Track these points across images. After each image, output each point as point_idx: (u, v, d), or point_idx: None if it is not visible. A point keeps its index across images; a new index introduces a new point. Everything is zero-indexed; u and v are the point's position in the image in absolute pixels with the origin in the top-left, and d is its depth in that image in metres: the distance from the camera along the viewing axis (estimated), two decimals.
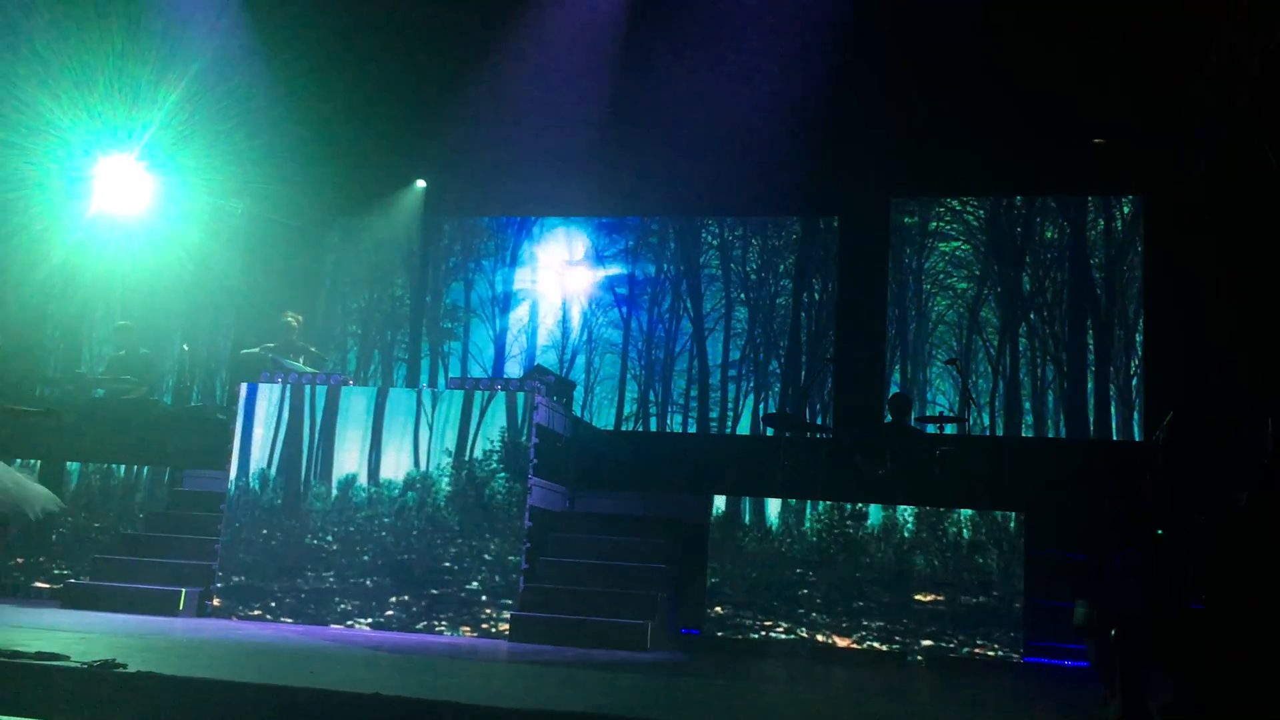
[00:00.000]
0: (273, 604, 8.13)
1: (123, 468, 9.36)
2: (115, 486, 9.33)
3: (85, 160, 11.79)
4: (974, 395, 10.66)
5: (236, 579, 8.21)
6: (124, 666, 4.86)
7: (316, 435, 8.41)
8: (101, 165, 11.91)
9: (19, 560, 9.17)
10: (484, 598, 7.91)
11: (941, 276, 11.40)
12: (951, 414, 10.51)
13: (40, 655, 5.07)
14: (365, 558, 8.13)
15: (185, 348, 11.86)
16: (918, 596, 7.68)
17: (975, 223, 11.49)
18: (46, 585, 8.99)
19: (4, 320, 11.10)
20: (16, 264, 11.32)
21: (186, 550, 8.58)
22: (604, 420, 11.83)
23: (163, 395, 11.49)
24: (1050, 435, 10.81)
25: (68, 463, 9.36)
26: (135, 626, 7.05)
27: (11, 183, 11.08)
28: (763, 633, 7.80)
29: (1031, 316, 11.10)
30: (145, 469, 9.37)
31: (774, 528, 7.98)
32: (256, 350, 9.81)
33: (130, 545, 8.78)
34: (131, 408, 9.99)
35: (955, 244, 11.46)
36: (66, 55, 10.92)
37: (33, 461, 9.37)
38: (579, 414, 11.19)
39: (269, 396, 8.51)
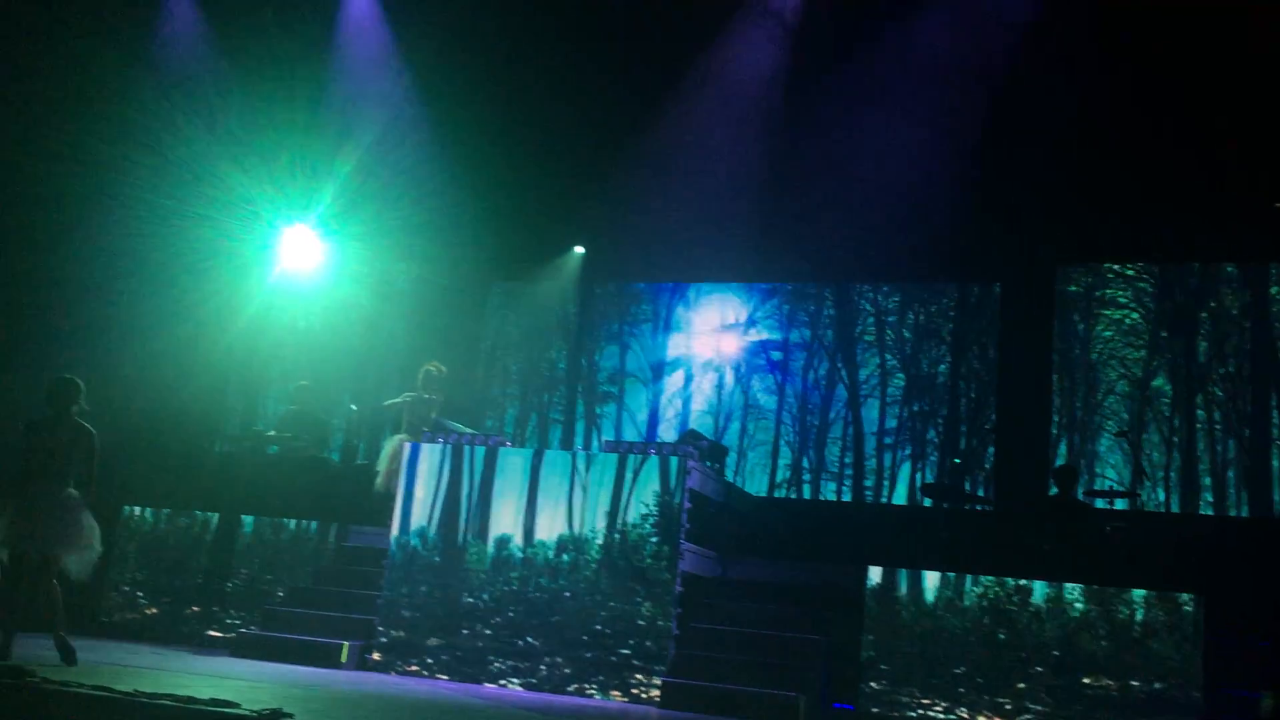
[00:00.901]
0: (429, 660, 8.29)
1: (293, 522, 9.74)
2: (286, 540, 9.71)
3: (269, 230, 12.51)
4: (1147, 469, 10.17)
5: (396, 634, 8.41)
6: (290, 716, 5.03)
7: (474, 495, 8.60)
8: (283, 234, 12.61)
9: (195, 609, 9.61)
10: (635, 662, 7.89)
11: (1111, 345, 10.97)
12: (1123, 488, 10.04)
13: (213, 702, 5.29)
14: (519, 618, 8.22)
15: (353, 407, 12.34)
16: (1086, 680, 7.32)
17: (1148, 289, 11.04)
18: (219, 634, 9.39)
19: (193, 383, 11.79)
20: (207, 330, 12.02)
21: (350, 604, 8.85)
22: (757, 486, 11.73)
23: (331, 453, 11.95)
24: (1232, 514, 10.20)
25: (243, 516, 9.80)
26: (300, 677, 7.29)
27: (205, 253, 11.83)
28: (920, 711, 7.54)
29: (1210, 387, 10.56)
30: (313, 524, 9.73)
31: (931, 601, 7.75)
32: (398, 400, 10.17)
33: (298, 598, 9.11)
34: (302, 465, 10.41)
35: (1125, 311, 11.03)
36: (255, 132, 11.68)
37: (211, 514, 9.87)
38: (732, 479, 11.13)
39: (430, 456, 8.76)
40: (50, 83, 10.95)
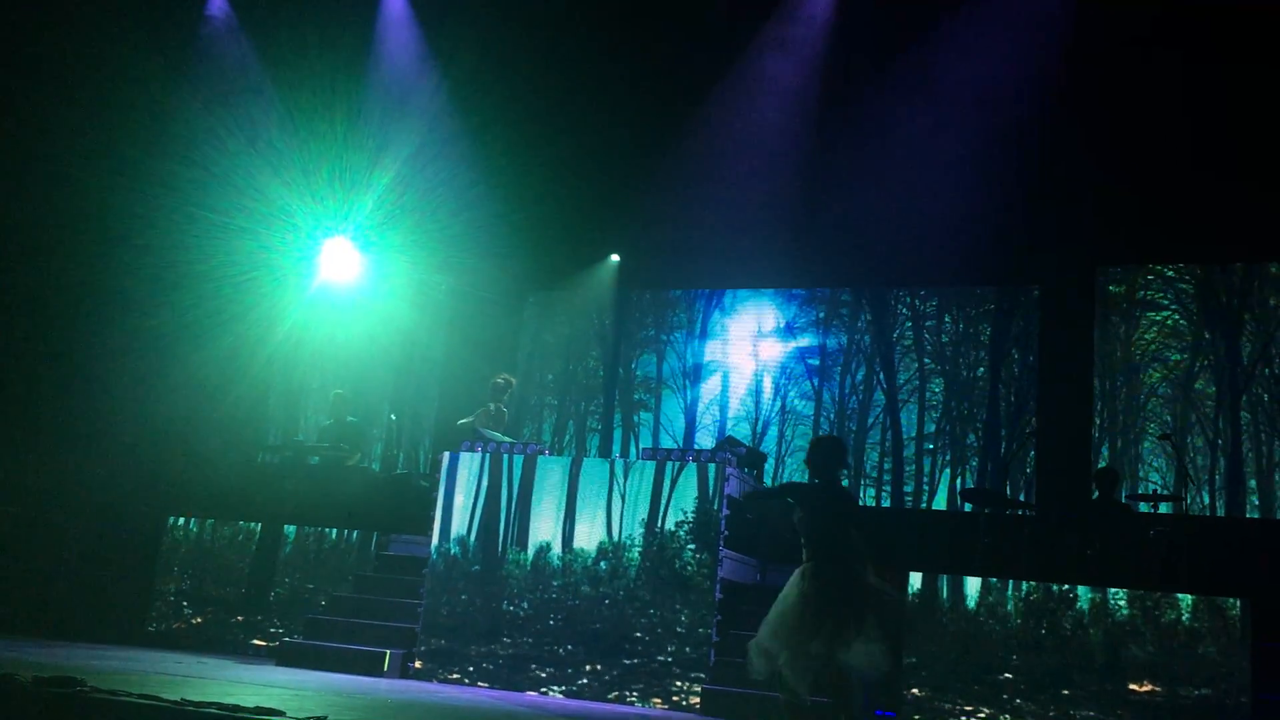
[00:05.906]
0: (470, 668, 8.34)
1: (334, 531, 9.83)
2: (327, 550, 9.80)
3: (309, 242, 12.67)
4: (1191, 473, 10.04)
5: (437, 642, 8.46)
6: None
7: (513, 503, 8.64)
8: (323, 246, 12.77)
9: (239, 618, 9.72)
10: (675, 669, 7.89)
11: (1152, 347, 10.85)
12: (1166, 492, 9.92)
13: (259, 710, 5.35)
14: (559, 626, 8.25)
15: (393, 417, 12.44)
16: (1132, 686, 7.24)
17: (1189, 290, 10.91)
18: (263, 643, 9.49)
19: (235, 394, 11.95)
20: (248, 340, 12.17)
21: (391, 613, 8.91)
22: None
23: (371, 462, 12.03)
24: (1278, 516, 10.05)
25: (285, 526, 9.89)
26: (343, 685, 7.35)
27: (246, 265, 12.00)
28: (963, 717, 7.48)
29: (1254, 389, 10.42)
30: (355, 533, 9.81)
31: (973, 607, 7.69)
32: (470, 420, 10.01)
33: (340, 606, 9.17)
34: (343, 474, 10.50)
35: (1166, 313, 10.90)
36: (296, 146, 11.84)
37: (254, 524, 9.97)
38: (770, 486, 11.10)
39: (469, 465, 8.81)
40: (95, 98, 11.15)
